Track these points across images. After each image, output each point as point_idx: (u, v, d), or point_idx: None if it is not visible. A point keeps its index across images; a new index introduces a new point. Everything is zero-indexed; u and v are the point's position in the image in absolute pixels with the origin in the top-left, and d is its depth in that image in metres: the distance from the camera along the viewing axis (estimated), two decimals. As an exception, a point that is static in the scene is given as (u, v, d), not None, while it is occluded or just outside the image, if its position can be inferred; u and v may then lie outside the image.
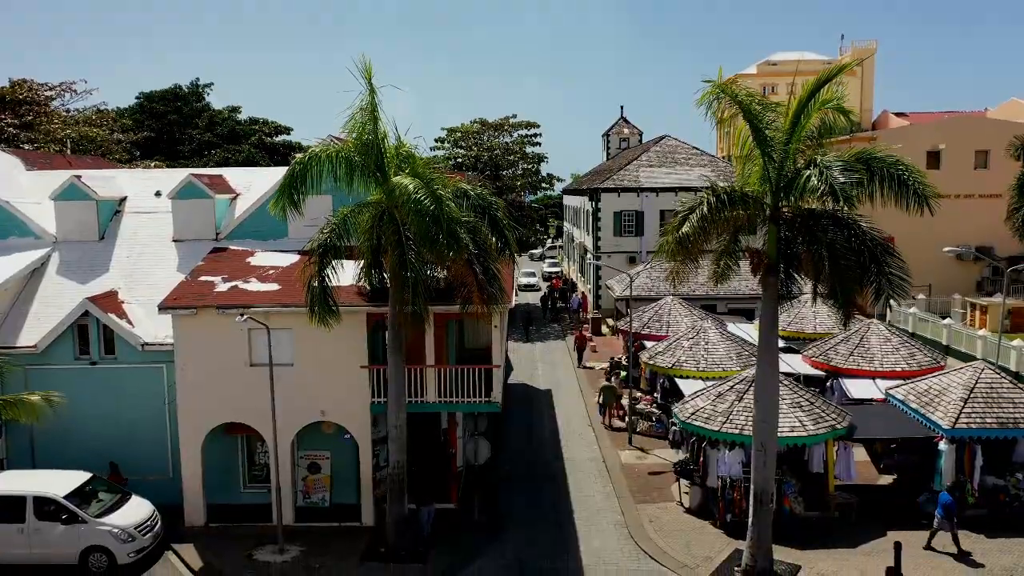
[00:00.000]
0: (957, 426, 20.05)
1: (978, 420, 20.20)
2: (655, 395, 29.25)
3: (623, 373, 32.00)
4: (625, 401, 29.09)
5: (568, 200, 71.36)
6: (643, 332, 31.76)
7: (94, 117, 44.67)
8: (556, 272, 70.13)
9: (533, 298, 58.03)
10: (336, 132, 20.10)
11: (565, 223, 74.82)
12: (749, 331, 30.05)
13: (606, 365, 35.79)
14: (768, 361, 17.51)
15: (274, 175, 24.71)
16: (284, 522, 19.89)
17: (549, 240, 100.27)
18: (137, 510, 19.41)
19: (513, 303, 25.31)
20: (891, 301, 16.28)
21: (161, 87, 58.79)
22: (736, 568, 18.32)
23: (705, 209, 16.18)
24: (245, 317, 18.14)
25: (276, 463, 19.79)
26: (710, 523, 20.66)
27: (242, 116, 63.37)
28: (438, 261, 17.90)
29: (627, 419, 27.91)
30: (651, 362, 28.00)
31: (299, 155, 18.17)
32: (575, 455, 26.17)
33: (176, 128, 55.25)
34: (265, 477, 21.67)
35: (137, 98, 55.83)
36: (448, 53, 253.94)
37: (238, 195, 26.05)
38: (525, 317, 48.89)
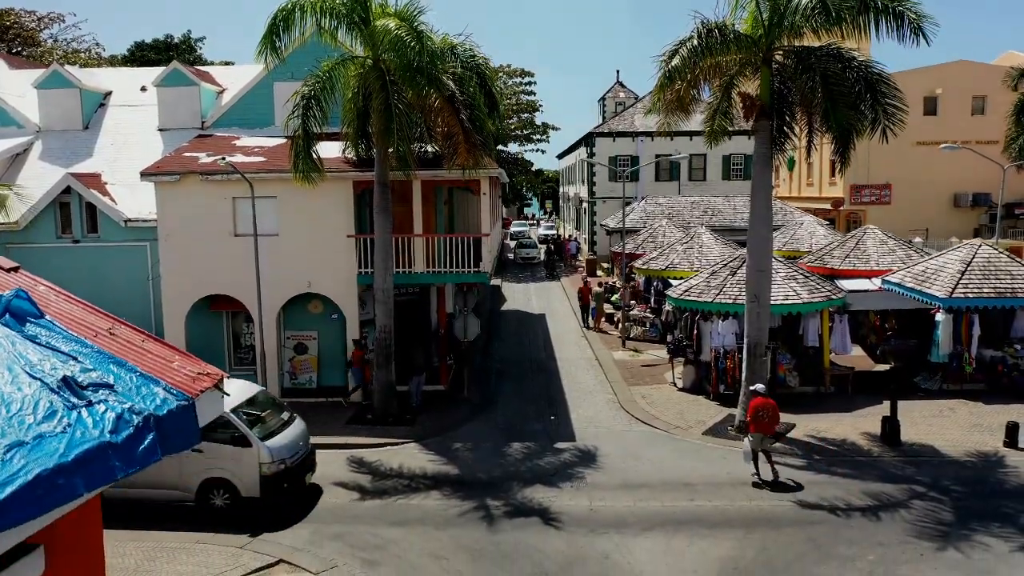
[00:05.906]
0: (954, 296, 19.68)
1: (975, 290, 19.84)
2: (649, 301, 28.89)
3: (615, 297, 31.59)
4: (618, 317, 28.70)
5: (563, 163, 70.96)
6: (637, 252, 31.44)
7: (84, 52, 44.33)
8: (552, 234, 69.81)
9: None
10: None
11: (561, 187, 74.41)
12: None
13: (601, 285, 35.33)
14: (761, 201, 17.17)
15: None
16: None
17: (534, 212, 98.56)
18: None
19: (500, 172, 24.97)
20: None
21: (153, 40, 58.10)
22: (729, 427, 17.98)
23: (695, 41, 15.80)
24: (227, 161, 17.73)
25: (261, 333, 19.43)
26: (703, 397, 20.34)
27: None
28: (421, 106, 17.54)
29: (620, 325, 27.53)
30: (645, 267, 27.65)
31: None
32: (568, 355, 25.82)
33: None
34: (251, 360, 21.28)
35: (129, 48, 55.31)
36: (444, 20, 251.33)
37: (224, 89, 25.67)
38: (519, 265, 48.25)
